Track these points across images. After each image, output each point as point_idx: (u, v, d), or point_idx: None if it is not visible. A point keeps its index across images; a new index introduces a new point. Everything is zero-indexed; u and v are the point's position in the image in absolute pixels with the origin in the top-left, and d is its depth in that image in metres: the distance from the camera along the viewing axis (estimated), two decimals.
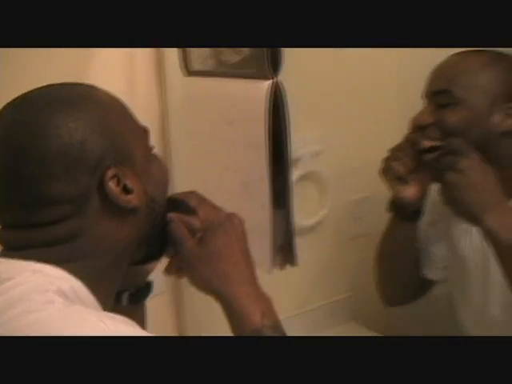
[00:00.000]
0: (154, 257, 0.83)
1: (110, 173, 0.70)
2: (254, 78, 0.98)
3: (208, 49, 1.06)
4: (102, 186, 0.70)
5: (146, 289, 0.87)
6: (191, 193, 0.85)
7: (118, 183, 0.70)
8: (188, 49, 1.11)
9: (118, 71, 1.19)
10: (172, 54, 1.17)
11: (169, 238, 0.81)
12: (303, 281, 1.50)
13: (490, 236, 1.01)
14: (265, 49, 0.94)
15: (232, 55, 1.02)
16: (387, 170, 1.16)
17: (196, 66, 1.11)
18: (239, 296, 0.76)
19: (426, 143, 1.09)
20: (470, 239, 1.17)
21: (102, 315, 0.64)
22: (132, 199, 0.72)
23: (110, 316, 0.64)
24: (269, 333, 0.74)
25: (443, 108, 1.08)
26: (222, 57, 1.04)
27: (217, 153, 1.10)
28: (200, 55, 1.09)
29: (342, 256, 1.57)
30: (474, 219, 1.03)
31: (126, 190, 0.71)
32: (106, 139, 0.70)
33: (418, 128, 1.11)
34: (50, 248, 0.69)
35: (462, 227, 1.18)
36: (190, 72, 1.13)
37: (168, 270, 0.85)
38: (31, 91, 0.73)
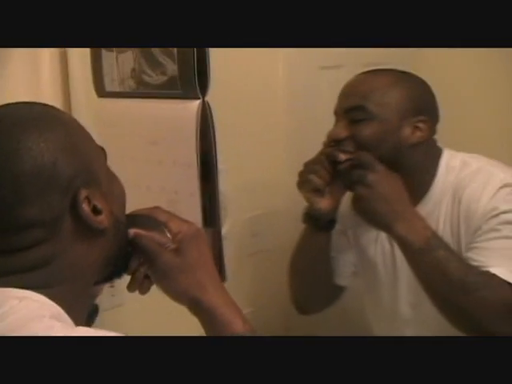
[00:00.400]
0: (117, 275, 0.81)
1: (82, 194, 0.68)
2: (180, 98, 1.00)
3: (128, 70, 1.06)
4: (74, 208, 0.68)
5: (93, 312, 0.85)
6: (156, 208, 0.85)
7: (89, 204, 0.69)
8: (103, 70, 1.11)
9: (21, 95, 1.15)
10: (79, 76, 1.16)
11: (137, 253, 0.80)
12: None
13: (401, 242, 1.10)
14: (193, 70, 0.97)
15: (155, 76, 1.03)
16: (304, 183, 1.20)
17: (112, 87, 1.10)
18: (219, 304, 0.78)
19: (342, 156, 1.16)
20: (380, 245, 1.26)
21: (105, 332, 0.62)
22: (103, 220, 0.70)
23: (110, 332, 0.63)
24: (248, 335, 0.76)
25: (357, 123, 1.15)
26: (144, 78, 1.04)
27: (136, 173, 1.10)
28: (117, 77, 1.09)
29: (241, 273, 1.60)
30: (385, 228, 1.12)
31: (96, 211, 0.70)
32: (74, 159, 0.68)
33: (334, 142, 1.18)
34: (26, 274, 0.66)
35: (370, 234, 1.27)
36: (104, 93, 1.12)
37: (131, 287, 0.83)
38: None
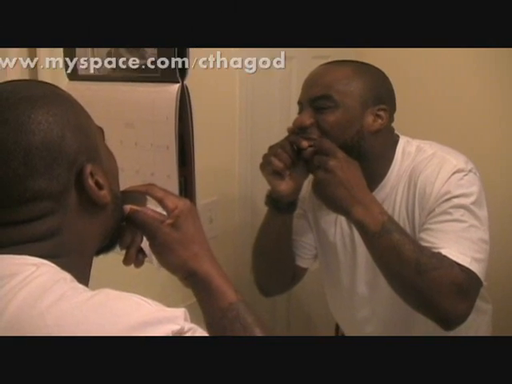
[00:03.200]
0: (111, 248, 0.84)
1: (88, 169, 0.71)
2: (159, 82, 1.03)
3: (104, 53, 1.08)
4: (79, 182, 0.70)
5: None
6: (151, 185, 0.88)
7: (92, 179, 0.72)
8: (76, 53, 1.11)
9: None
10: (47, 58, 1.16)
11: (134, 228, 0.84)
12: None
13: (358, 226, 1.15)
14: (173, 54, 0.99)
15: (133, 60, 1.04)
16: (266, 165, 1.24)
17: (85, 70, 1.11)
18: (215, 276, 0.83)
19: (305, 143, 1.20)
20: (339, 227, 1.32)
21: (133, 294, 0.65)
22: (106, 195, 0.73)
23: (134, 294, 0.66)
24: (243, 306, 0.82)
25: (322, 111, 1.20)
26: (121, 61, 1.06)
27: None
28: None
29: None
30: (343, 212, 1.17)
31: (99, 186, 0.72)
32: (80, 135, 0.71)
33: (299, 129, 1.22)
34: (34, 244, 0.67)
35: (330, 217, 1.32)
36: (76, 76, 1.13)
37: (127, 261, 0.87)
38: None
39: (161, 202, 0.86)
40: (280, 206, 1.29)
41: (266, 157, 1.24)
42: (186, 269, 0.84)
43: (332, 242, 1.34)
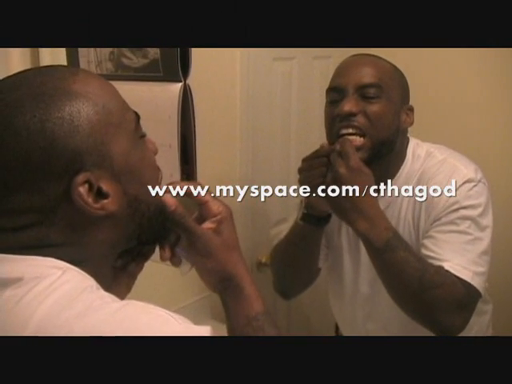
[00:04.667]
0: (147, 253, 0.82)
1: (79, 179, 0.63)
2: (161, 81, 1.03)
3: (106, 53, 1.08)
4: (69, 194, 0.64)
5: None
6: (197, 184, 0.84)
7: (91, 188, 0.64)
8: (78, 53, 1.12)
9: None
10: (50, 57, 1.16)
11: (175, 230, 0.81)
12: (173, 281, 1.52)
13: (362, 239, 1.14)
14: (176, 52, 1.00)
15: (136, 59, 1.05)
16: (306, 180, 1.16)
17: (88, 70, 1.11)
18: (249, 283, 0.82)
19: (350, 130, 1.16)
20: (345, 229, 1.33)
21: (160, 308, 0.63)
22: (107, 205, 0.66)
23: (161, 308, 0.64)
24: (268, 318, 0.80)
25: (370, 100, 1.17)
26: (124, 61, 1.06)
27: None
28: (94, 59, 1.10)
29: None
30: (348, 223, 1.15)
31: (101, 195, 0.65)
32: (77, 140, 0.63)
33: (344, 116, 1.17)
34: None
35: (335, 218, 1.31)
36: None
37: (163, 258, 0.82)
38: (4, 80, 0.66)
39: (205, 204, 0.83)
40: (319, 221, 1.27)
41: (302, 171, 1.18)
42: (224, 274, 0.81)
43: (338, 242, 1.35)
